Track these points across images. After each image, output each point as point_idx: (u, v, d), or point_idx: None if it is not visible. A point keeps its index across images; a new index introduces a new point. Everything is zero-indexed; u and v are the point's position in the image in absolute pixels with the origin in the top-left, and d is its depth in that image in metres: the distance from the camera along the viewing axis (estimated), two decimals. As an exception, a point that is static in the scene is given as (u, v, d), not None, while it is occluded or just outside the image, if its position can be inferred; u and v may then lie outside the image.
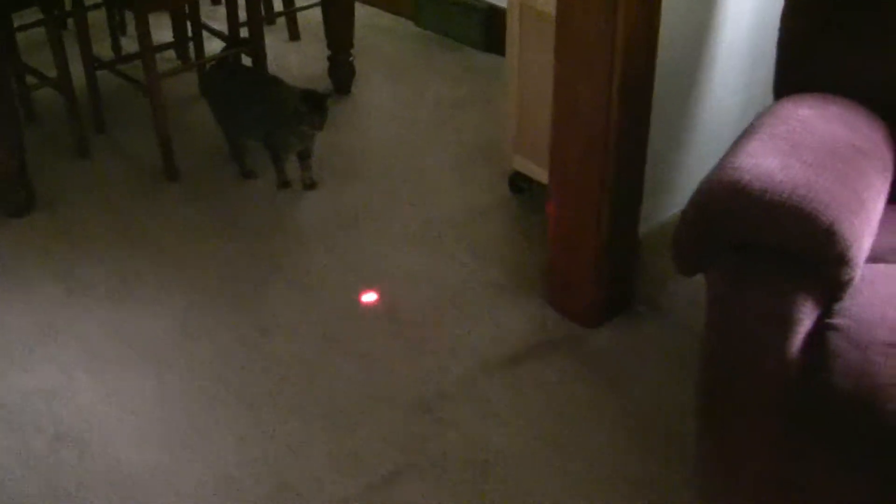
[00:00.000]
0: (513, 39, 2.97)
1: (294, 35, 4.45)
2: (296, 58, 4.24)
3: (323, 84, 3.85)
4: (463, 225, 3.09)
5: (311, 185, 3.27)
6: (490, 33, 4.12)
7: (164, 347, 2.60)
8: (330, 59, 3.92)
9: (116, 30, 4.18)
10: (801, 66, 2.19)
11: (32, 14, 3.64)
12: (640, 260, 2.65)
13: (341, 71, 3.93)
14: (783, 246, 1.65)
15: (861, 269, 1.74)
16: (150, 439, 2.32)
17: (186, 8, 3.85)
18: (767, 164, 1.70)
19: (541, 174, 2.90)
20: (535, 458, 2.25)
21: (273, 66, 3.71)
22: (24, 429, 2.34)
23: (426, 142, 3.57)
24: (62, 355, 2.57)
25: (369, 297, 2.22)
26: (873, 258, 1.85)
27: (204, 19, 3.90)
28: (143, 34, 3.16)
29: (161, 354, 2.57)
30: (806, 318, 1.67)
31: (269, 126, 3.17)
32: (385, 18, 4.65)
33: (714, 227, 1.70)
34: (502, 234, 3.06)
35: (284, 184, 3.28)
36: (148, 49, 3.20)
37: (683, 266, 1.79)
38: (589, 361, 2.53)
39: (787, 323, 1.64)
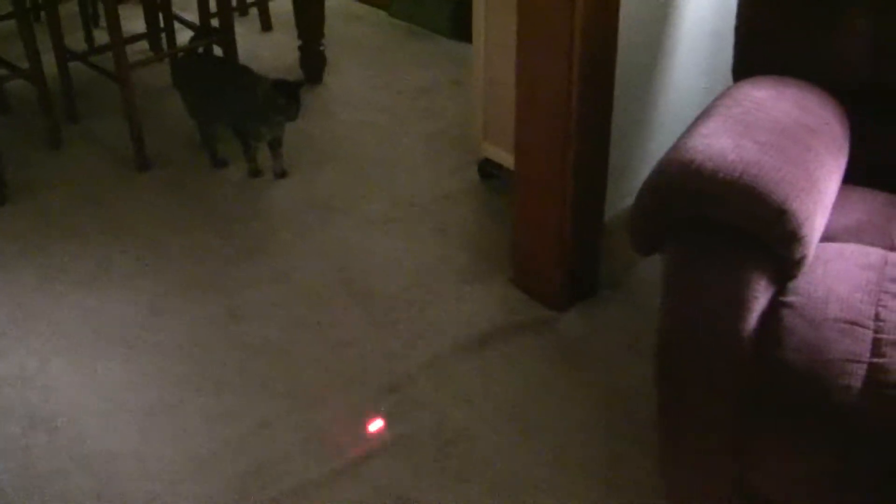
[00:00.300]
0: (479, 26, 3.00)
1: (266, 25, 4.47)
2: (268, 48, 4.26)
3: (295, 73, 3.86)
4: (433, 210, 3.12)
5: (282, 174, 3.29)
6: (460, 21, 4.13)
7: (135, 332, 2.62)
8: (301, 48, 3.94)
9: (89, 21, 4.19)
10: (758, 49, 2.23)
11: (4, 6, 3.65)
12: (606, 243, 2.68)
13: (313, 60, 3.95)
14: (736, 225, 1.68)
15: (814, 248, 1.78)
16: (121, 423, 2.35)
17: (157, -1, 3.87)
18: (720, 144, 1.73)
19: (509, 160, 2.92)
20: (501, 437, 2.28)
21: (245, 56, 3.72)
22: (-4, 414, 2.37)
23: (397, 129, 3.60)
24: (35, 341, 2.60)
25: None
26: (827, 237, 1.89)
27: (176, 10, 3.92)
28: (113, 25, 3.18)
29: (133, 339, 2.60)
30: (760, 296, 1.70)
31: (240, 115, 3.19)
32: (357, 8, 4.67)
33: (668, 206, 1.73)
34: (472, 219, 3.10)
35: (255, 172, 3.31)
36: (118, 40, 3.21)
37: (639, 245, 1.83)
38: (555, 343, 2.56)
39: (740, 301, 1.68)
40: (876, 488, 1.66)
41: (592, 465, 2.21)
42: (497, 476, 2.19)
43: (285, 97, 3.09)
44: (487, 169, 3.19)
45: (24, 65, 3.43)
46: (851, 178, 2.10)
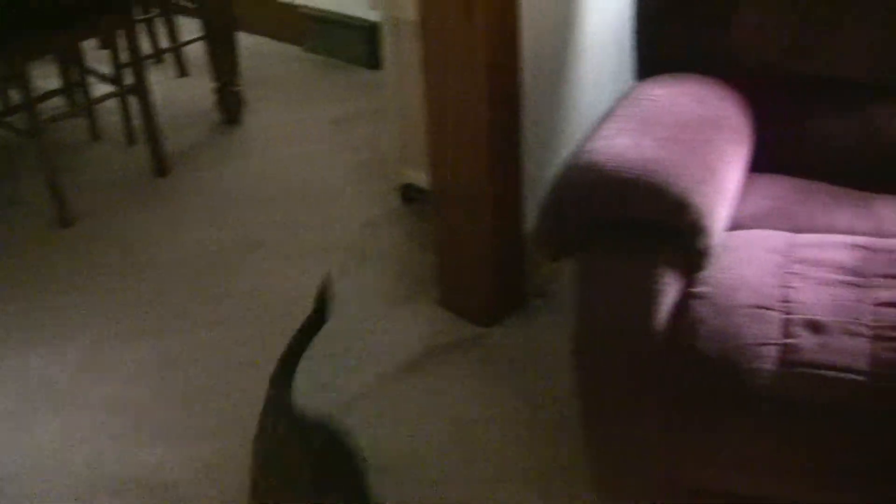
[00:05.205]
0: (390, 54, 3.03)
1: (182, 71, 4.47)
2: (185, 93, 4.26)
3: (213, 117, 3.87)
4: (358, 238, 3.13)
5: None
6: (374, 50, 4.16)
7: (65, 387, 2.60)
8: (218, 90, 3.95)
9: (5, 82, 4.17)
10: (655, 49, 2.27)
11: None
12: (530, 255, 2.70)
13: (230, 102, 3.96)
14: (641, 222, 1.70)
15: (720, 237, 1.81)
16: (62, 482, 2.32)
17: (72, 54, 3.86)
18: (620, 144, 1.76)
19: (429, 183, 2.95)
20: (438, 457, 2.28)
21: (163, 103, 3.72)
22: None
23: (319, 162, 3.61)
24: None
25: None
26: (735, 225, 1.92)
27: (91, 63, 3.91)
28: (23, 86, 3.18)
29: (63, 394, 2.57)
30: (670, 289, 1.72)
31: None
32: (272, 45, 4.69)
33: (573, 210, 1.74)
34: (397, 245, 3.10)
35: None
36: (29, 100, 3.21)
37: (547, 251, 1.84)
38: (486, 359, 2.57)
39: (650, 296, 1.69)
40: (801, 464, 1.68)
41: (530, 476, 2.21)
42: (439, 497, 2.18)
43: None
44: (409, 193, 3.21)
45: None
46: (758, 166, 2.14)
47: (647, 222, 1.70)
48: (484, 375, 2.52)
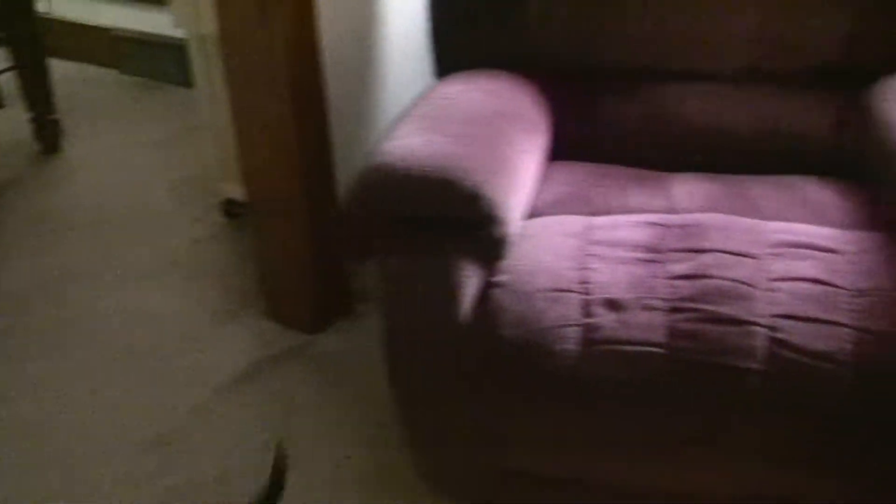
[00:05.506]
0: (200, 71, 3.01)
1: (-2, 103, 4.39)
2: (1, 125, 4.17)
3: (31, 147, 3.80)
4: (183, 257, 3.11)
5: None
6: (187, 68, 4.12)
7: None
8: (33, 120, 3.87)
9: None
10: (450, 48, 2.30)
11: None
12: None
13: (47, 131, 3.89)
14: (436, 217, 1.73)
15: (517, 226, 1.85)
16: None
17: None
18: (412, 143, 1.78)
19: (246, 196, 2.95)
20: (262, 470, 2.28)
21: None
22: None
23: (141, 184, 3.57)
24: None
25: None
26: (534, 213, 1.97)
27: None
28: None
29: None
30: (470, 280, 1.75)
31: None
32: (88, 70, 4.62)
33: (370, 212, 1.76)
34: (222, 261, 3.09)
35: None
36: None
37: (350, 254, 1.86)
38: (315, 366, 2.58)
39: (451, 289, 1.72)
40: (611, 442, 1.73)
41: (366, 478, 2.23)
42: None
43: None
44: (231, 208, 3.20)
45: None
46: (558, 155, 2.20)
47: (443, 217, 1.73)
48: (312, 383, 2.52)
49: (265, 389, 2.52)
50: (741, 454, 1.71)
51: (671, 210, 1.97)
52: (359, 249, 1.85)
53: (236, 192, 3.09)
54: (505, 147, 1.89)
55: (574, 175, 2.13)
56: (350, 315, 2.74)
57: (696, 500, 1.86)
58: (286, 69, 2.35)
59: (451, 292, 1.72)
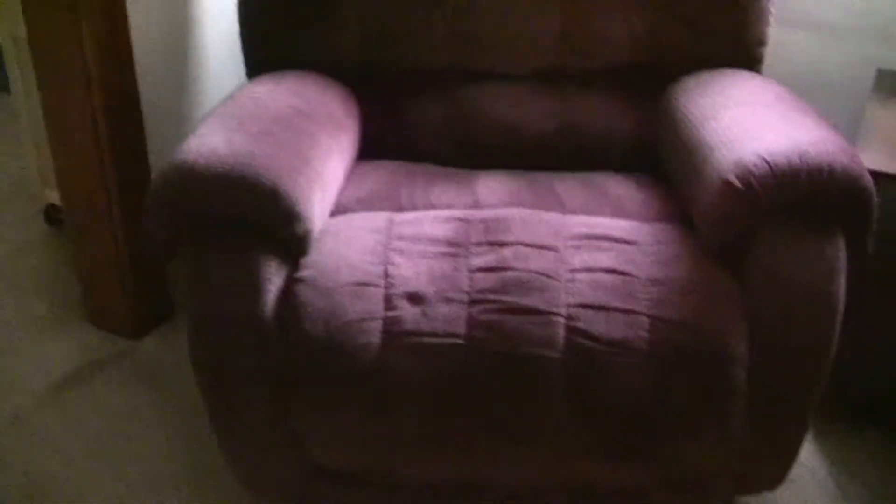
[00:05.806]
0: (15, 75, 2.96)
1: None
2: None
3: None
4: (4, 266, 3.04)
5: None
6: (5, 73, 4.04)
7: None
8: None
9: None
10: (261, 48, 2.31)
11: None
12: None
13: None
14: (237, 215, 1.74)
15: (321, 222, 1.88)
16: None
17: None
18: (212, 141, 1.78)
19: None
20: (91, 475, 2.25)
21: None
22: None
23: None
24: None
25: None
26: (339, 210, 1.99)
27: None
28: None
29: None
30: (273, 278, 1.76)
31: None
32: None
33: (172, 211, 1.76)
34: (43, 267, 3.04)
35: None
36: None
37: (154, 254, 1.85)
38: (136, 371, 2.56)
39: (254, 287, 1.73)
40: (414, 435, 1.76)
41: (185, 480, 2.23)
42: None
43: None
44: (53, 214, 3.15)
45: None
46: (368, 154, 2.23)
47: (244, 214, 1.74)
48: (132, 388, 2.50)
49: (85, 397, 2.49)
50: (541, 443, 1.76)
51: (476, 206, 2.01)
52: (162, 249, 1.84)
53: (57, 197, 3.04)
54: (308, 146, 1.91)
55: (381, 173, 2.16)
56: (172, 318, 2.72)
57: (499, 489, 1.90)
58: (96, 71, 2.33)
59: (253, 290, 1.73)
